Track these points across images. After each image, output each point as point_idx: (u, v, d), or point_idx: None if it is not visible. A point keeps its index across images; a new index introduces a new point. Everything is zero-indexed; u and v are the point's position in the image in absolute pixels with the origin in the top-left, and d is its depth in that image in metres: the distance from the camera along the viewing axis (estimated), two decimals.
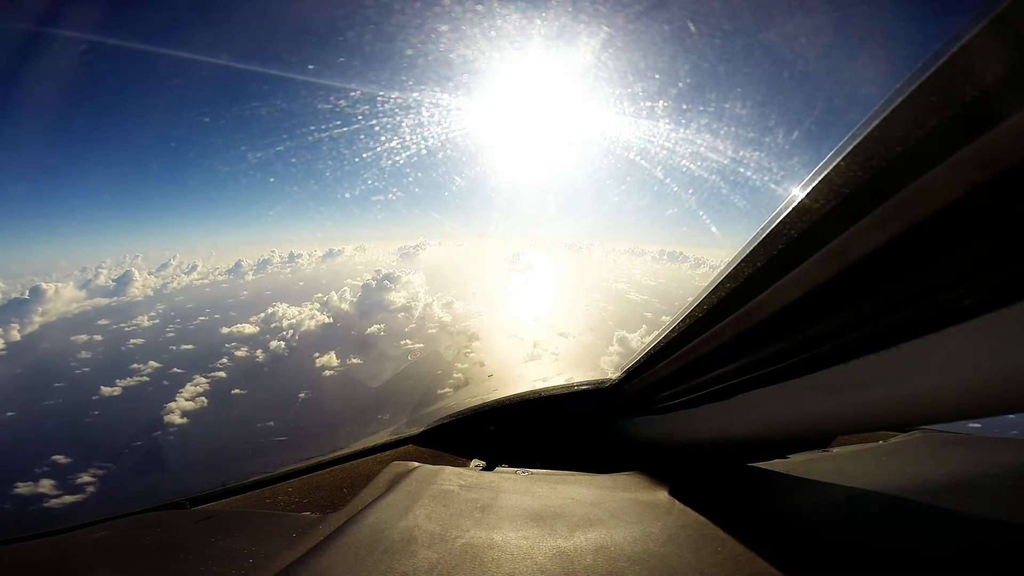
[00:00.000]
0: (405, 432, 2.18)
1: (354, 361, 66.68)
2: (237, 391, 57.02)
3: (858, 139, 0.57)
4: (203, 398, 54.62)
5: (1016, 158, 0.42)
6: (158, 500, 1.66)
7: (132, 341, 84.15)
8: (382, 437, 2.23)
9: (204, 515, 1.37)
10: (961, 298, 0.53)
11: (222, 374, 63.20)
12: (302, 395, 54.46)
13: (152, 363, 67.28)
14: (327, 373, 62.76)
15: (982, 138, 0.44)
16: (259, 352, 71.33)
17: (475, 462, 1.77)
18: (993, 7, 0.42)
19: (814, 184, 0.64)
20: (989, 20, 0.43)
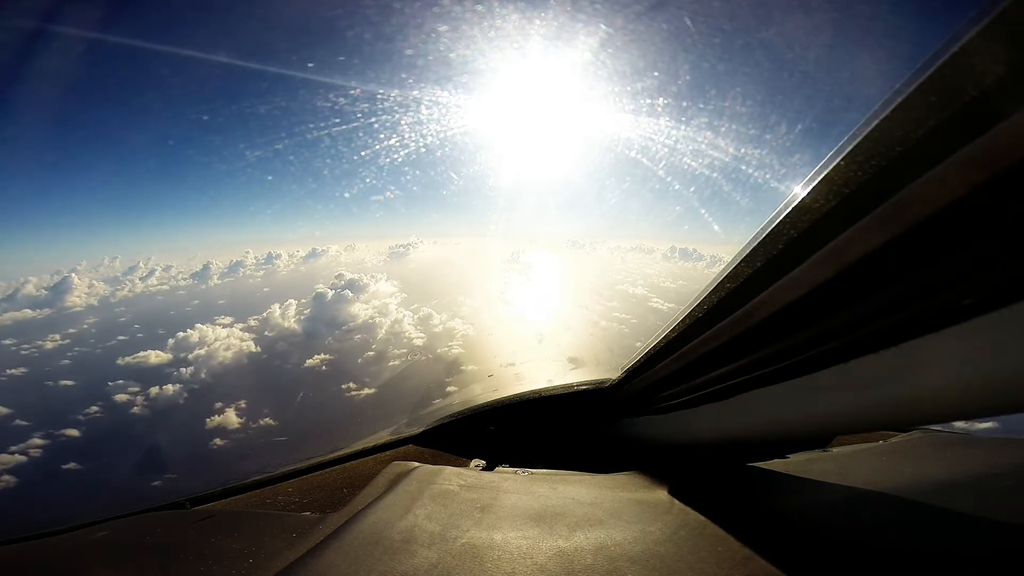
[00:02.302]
0: (405, 432, 2.18)
1: (264, 423, 45.96)
2: (72, 465, 39.50)
3: (858, 139, 0.57)
4: (11, 476, 37.59)
5: (1016, 158, 0.42)
6: (158, 500, 1.66)
7: (10, 371, 66.80)
8: (382, 437, 2.23)
9: (204, 515, 1.37)
10: (961, 298, 0.53)
11: (74, 432, 46.24)
12: (157, 483, 33.95)
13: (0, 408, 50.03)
14: (216, 444, 42.77)
15: (982, 138, 0.44)
16: (140, 401, 52.58)
17: (475, 462, 1.77)
18: (993, 7, 0.42)
19: (814, 184, 0.64)
20: (989, 20, 0.43)
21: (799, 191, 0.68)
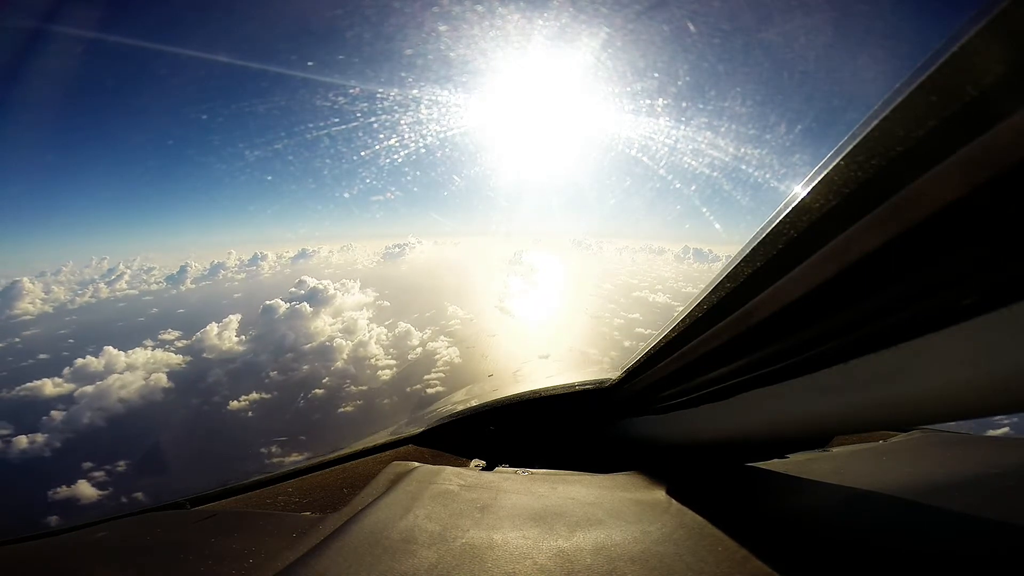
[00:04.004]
0: (405, 432, 2.17)
1: (133, 498, 33.72)
2: None
3: (858, 139, 0.57)
4: None
5: (1016, 158, 0.42)
6: (158, 500, 1.66)
7: None
8: (382, 437, 2.22)
9: (204, 515, 1.37)
10: (961, 298, 0.53)
11: None
12: None
13: None
14: (53, 523, 17.82)
15: (982, 138, 0.44)
16: None
17: (475, 462, 1.77)
18: (993, 7, 0.42)
19: (814, 184, 0.64)
20: (989, 20, 0.43)
21: (799, 191, 0.68)
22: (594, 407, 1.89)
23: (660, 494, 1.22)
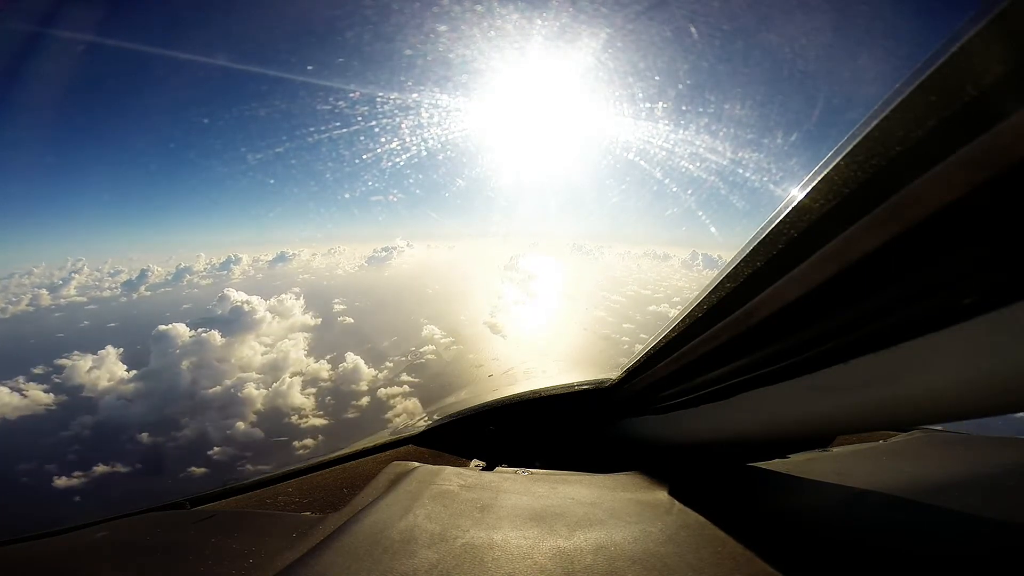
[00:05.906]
0: (405, 432, 2.18)
1: None
2: None
3: (858, 139, 0.57)
4: None
5: (1016, 158, 0.42)
6: (158, 500, 1.66)
7: None
8: (382, 437, 2.23)
9: (204, 515, 1.37)
10: (961, 298, 0.53)
11: None
12: None
13: None
14: None
15: (982, 138, 0.45)
16: None
17: (475, 462, 1.77)
18: (993, 7, 0.42)
19: (814, 184, 0.64)
20: (989, 20, 0.43)
21: (799, 191, 0.68)
22: (594, 407, 1.89)
23: (662, 494, 1.22)
